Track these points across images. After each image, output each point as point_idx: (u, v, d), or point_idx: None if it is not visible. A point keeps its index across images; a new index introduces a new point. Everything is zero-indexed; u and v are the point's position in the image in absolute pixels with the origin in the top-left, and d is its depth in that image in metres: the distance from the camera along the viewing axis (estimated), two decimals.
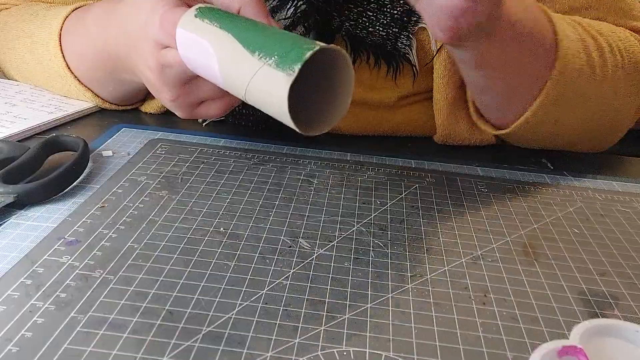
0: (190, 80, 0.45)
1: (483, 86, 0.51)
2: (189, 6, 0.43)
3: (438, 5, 0.39)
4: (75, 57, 0.57)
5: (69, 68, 0.57)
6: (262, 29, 0.38)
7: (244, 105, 0.41)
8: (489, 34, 0.44)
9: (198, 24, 0.41)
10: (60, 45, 0.57)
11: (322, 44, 0.34)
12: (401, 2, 0.53)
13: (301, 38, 0.36)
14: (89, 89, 0.58)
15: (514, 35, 0.46)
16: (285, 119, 0.35)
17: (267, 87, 0.35)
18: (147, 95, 0.61)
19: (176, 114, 0.49)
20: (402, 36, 0.54)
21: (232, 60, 0.38)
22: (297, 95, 0.35)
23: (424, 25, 0.54)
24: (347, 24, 0.54)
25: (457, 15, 0.39)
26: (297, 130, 0.36)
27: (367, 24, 0.54)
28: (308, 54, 0.33)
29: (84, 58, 0.56)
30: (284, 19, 0.52)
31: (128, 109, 0.61)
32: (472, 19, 0.40)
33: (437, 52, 0.54)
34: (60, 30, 0.57)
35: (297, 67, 0.33)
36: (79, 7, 0.58)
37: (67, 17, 0.57)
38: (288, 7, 0.52)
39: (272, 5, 0.52)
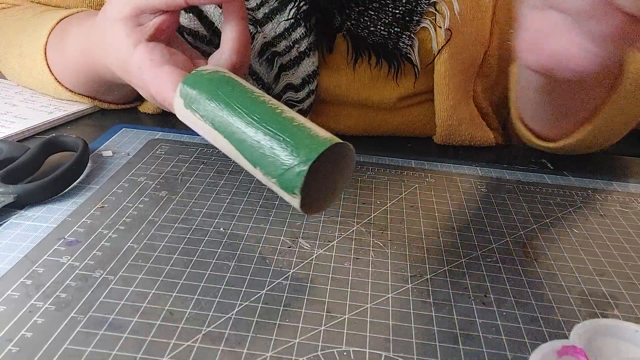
0: None
1: (562, 103, 0.49)
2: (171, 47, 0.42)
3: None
4: (66, 75, 0.56)
5: (59, 82, 0.56)
6: (255, 127, 0.35)
7: None
8: None
9: (190, 115, 0.38)
10: (47, 60, 0.56)
11: (320, 149, 0.32)
12: (403, 1, 0.53)
13: (300, 134, 0.34)
14: (85, 96, 0.58)
15: None
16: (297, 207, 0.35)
17: (281, 193, 0.35)
18: None
19: None
20: (404, 36, 0.54)
21: (240, 162, 0.36)
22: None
23: (425, 26, 0.54)
24: (348, 23, 0.54)
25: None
26: (303, 212, 0.35)
27: (368, 23, 0.54)
28: (302, 180, 0.32)
29: (78, 76, 0.55)
30: (286, 20, 0.52)
31: (127, 107, 0.61)
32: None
33: (438, 53, 0.54)
34: (46, 45, 0.56)
35: (297, 191, 0.33)
36: (64, 18, 0.56)
37: (52, 29, 0.56)
38: (290, 7, 0.52)
39: (273, 7, 0.52)
